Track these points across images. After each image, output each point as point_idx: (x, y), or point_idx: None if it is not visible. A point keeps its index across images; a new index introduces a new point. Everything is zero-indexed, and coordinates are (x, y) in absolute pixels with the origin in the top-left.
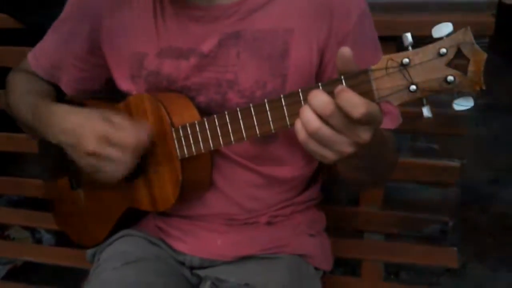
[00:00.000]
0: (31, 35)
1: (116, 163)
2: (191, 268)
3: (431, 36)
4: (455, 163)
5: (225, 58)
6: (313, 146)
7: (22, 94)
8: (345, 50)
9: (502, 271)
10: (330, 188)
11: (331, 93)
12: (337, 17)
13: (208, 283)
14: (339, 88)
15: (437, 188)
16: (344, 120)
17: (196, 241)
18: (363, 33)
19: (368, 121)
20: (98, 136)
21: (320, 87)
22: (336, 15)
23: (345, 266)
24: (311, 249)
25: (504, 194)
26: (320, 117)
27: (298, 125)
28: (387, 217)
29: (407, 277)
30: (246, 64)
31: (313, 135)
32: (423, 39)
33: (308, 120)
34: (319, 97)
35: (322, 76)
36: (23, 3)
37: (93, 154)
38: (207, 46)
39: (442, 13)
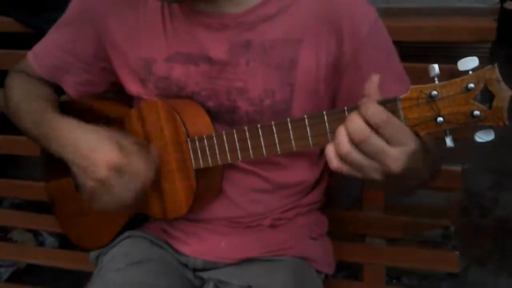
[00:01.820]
0: (32, 39)
1: (119, 197)
2: (194, 270)
3: (435, 42)
4: (457, 168)
5: (235, 66)
6: (346, 169)
7: (22, 101)
8: (375, 77)
9: (504, 275)
10: (333, 192)
11: None
12: (348, 28)
13: (211, 285)
14: (363, 100)
15: (439, 192)
16: (375, 147)
17: (199, 243)
18: (377, 41)
19: (391, 137)
20: (109, 165)
21: (346, 112)
22: (347, 25)
23: (347, 270)
24: (313, 252)
25: (505, 198)
26: (352, 141)
27: (330, 150)
28: (389, 221)
29: (409, 281)
30: (255, 73)
31: (344, 157)
32: (427, 44)
33: (341, 142)
34: (355, 121)
35: (339, 89)
36: (27, 6)
37: (100, 182)
38: (217, 53)
39: (445, 18)
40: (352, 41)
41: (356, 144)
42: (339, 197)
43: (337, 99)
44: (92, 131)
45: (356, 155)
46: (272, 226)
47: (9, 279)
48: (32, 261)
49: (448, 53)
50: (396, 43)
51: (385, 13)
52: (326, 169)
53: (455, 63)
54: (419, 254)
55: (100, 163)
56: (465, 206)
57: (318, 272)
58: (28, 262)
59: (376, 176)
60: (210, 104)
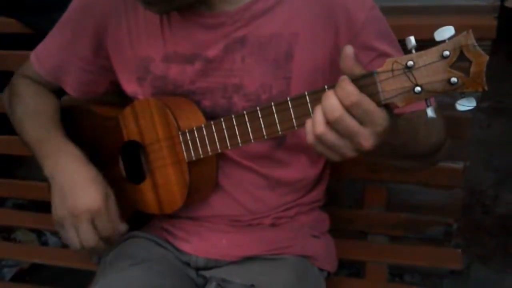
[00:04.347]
0: (33, 39)
1: (83, 239)
2: (197, 269)
3: (433, 39)
4: (459, 165)
5: (231, 63)
6: (319, 147)
7: (29, 112)
8: (348, 49)
9: (506, 273)
10: (334, 190)
11: None
12: (343, 20)
13: (214, 284)
14: (341, 78)
15: (441, 190)
16: (348, 127)
17: (201, 242)
18: (374, 30)
19: (363, 118)
20: (90, 208)
21: (326, 89)
22: (342, 17)
23: (349, 268)
24: (315, 250)
25: (507, 196)
26: (326, 120)
27: (309, 125)
28: (391, 219)
29: (411, 279)
30: (251, 68)
31: (318, 137)
32: (426, 43)
33: (317, 121)
34: (329, 101)
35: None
36: (28, 7)
37: (72, 217)
38: (212, 52)
39: (445, 16)
40: (348, 32)
41: (329, 122)
42: (341, 195)
43: None
44: (93, 169)
45: (330, 136)
46: (273, 224)
47: (13, 279)
48: (35, 261)
49: None
50: None
51: (384, 12)
52: (327, 167)
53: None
54: (421, 252)
55: (83, 201)
56: (467, 203)
57: (321, 270)
58: (32, 262)
59: (349, 153)
60: (206, 102)
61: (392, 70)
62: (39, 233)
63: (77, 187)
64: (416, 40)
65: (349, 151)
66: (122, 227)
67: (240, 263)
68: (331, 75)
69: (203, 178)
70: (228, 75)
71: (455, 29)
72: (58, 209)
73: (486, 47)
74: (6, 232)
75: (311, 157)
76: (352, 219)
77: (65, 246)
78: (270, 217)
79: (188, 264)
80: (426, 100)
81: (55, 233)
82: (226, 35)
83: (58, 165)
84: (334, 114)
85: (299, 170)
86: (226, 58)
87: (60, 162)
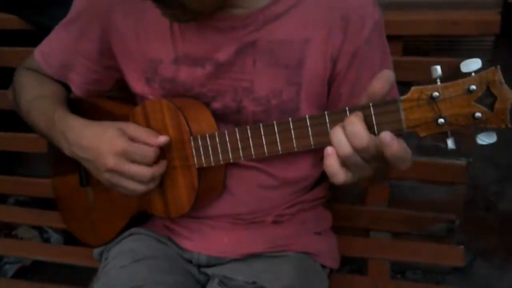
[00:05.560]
0: (35, 36)
1: (136, 178)
2: (199, 266)
3: (435, 35)
4: (462, 162)
5: (241, 67)
6: (338, 170)
7: (33, 99)
8: (392, 75)
9: (509, 269)
10: (337, 187)
11: None
12: (352, 28)
13: (216, 281)
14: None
15: (444, 186)
16: (374, 154)
17: (203, 239)
18: (374, 45)
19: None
20: (116, 152)
21: (347, 112)
22: (352, 25)
23: (352, 264)
24: (318, 247)
25: (510, 192)
26: (353, 147)
27: (330, 150)
28: (393, 216)
29: (413, 276)
30: (262, 73)
31: (344, 158)
32: (428, 38)
33: (341, 143)
34: (356, 127)
35: (330, 85)
36: (31, 3)
37: (112, 171)
38: (223, 55)
39: (448, 11)
40: (353, 40)
41: (355, 148)
42: (344, 192)
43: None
44: (98, 125)
45: (357, 158)
46: (275, 222)
47: (15, 276)
48: (37, 258)
49: (451, 47)
50: (398, 37)
51: (388, 7)
52: None
53: (458, 57)
54: (423, 249)
55: (106, 152)
56: (470, 200)
57: (323, 266)
58: (34, 259)
59: (370, 173)
60: (216, 105)
61: (418, 100)
62: (41, 230)
63: (93, 150)
64: (419, 36)
65: (368, 171)
66: (161, 139)
67: (242, 261)
68: (333, 82)
69: (211, 184)
70: (238, 78)
71: (459, 24)
72: (99, 176)
73: (490, 43)
74: (8, 229)
75: (317, 156)
76: (355, 216)
77: (66, 243)
78: (272, 214)
79: (190, 261)
80: (447, 132)
81: (57, 230)
82: (238, 38)
83: (70, 140)
84: (361, 142)
85: (305, 169)
86: (237, 61)
87: (71, 138)
